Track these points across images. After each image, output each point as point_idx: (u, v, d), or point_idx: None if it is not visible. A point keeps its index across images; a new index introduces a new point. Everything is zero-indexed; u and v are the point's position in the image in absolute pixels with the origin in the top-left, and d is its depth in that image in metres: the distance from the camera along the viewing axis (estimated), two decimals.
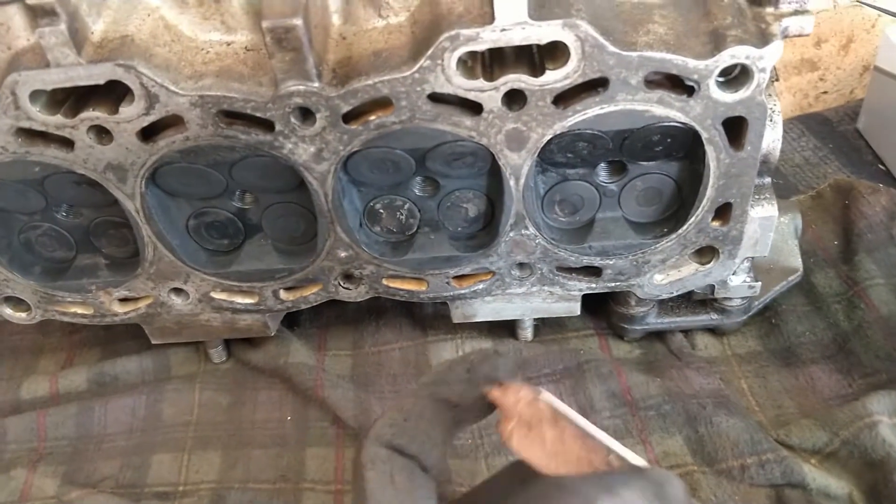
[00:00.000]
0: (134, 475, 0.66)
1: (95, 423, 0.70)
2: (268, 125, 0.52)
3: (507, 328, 0.71)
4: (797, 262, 0.69)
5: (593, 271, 0.63)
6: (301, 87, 0.49)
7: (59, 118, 0.51)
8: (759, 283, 0.65)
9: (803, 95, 1.03)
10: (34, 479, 0.66)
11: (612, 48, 0.47)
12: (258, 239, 0.63)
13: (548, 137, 0.52)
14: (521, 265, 0.62)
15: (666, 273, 0.63)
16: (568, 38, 0.47)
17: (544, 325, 0.72)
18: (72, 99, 0.52)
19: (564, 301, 0.66)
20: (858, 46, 0.99)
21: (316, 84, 0.49)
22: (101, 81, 0.49)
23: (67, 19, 0.47)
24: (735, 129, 0.52)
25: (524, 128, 0.52)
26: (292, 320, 0.75)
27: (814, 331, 0.69)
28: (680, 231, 0.58)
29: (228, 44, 0.52)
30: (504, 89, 0.49)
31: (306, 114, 0.51)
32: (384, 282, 0.63)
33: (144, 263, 0.61)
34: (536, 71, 0.49)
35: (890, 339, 0.65)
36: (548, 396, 0.40)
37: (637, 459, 0.38)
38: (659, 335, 0.71)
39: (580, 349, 0.70)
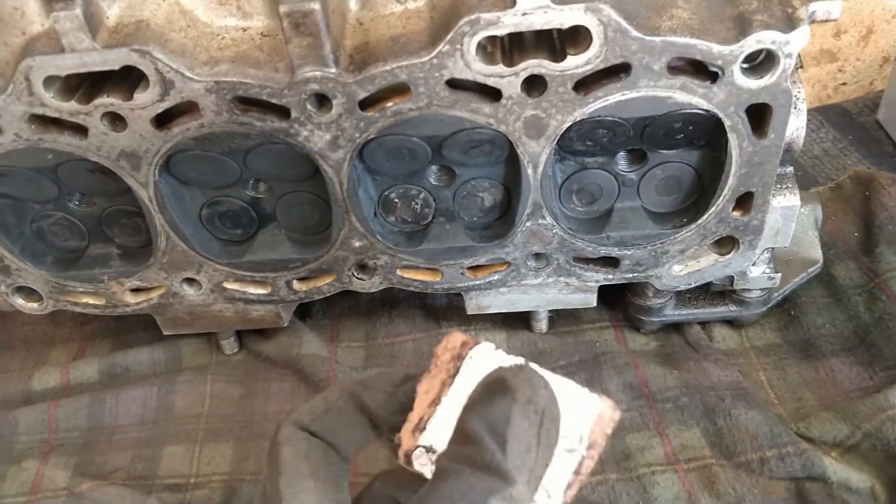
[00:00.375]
0: (145, 467, 0.65)
1: (107, 415, 0.69)
2: (283, 112, 0.51)
3: (521, 319, 0.71)
4: (817, 253, 0.68)
5: (611, 262, 0.62)
6: (318, 73, 0.49)
7: (73, 104, 0.50)
8: (779, 274, 0.64)
9: (822, 87, 1.02)
10: (45, 471, 0.65)
11: (635, 33, 0.46)
12: (272, 228, 0.62)
13: (567, 124, 0.51)
14: (537, 256, 0.61)
15: (685, 264, 0.62)
16: (590, 22, 0.46)
17: (559, 317, 0.71)
18: (86, 85, 0.51)
19: (580, 292, 0.65)
20: (878, 37, 0.98)
21: (333, 70, 0.49)
22: (116, 67, 0.48)
23: (83, 3, 0.46)
24: (758, 116, 0.51)
25: (544, 115, 0.51)
26: (305, 311, 0.75)
27: (834, 323, 0.68)
28: (700, 221, 0.58)
29: (244, 29, 0.51)
30: (524, 75, 0.49)
31: (322, 100, 0.50)
32: (398, 272, 0.63)
33: (157, 253, 0.61)
34: (557, 56, 0.48)
35: None
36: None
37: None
38: (676, 327, 0.70)
39: (596, 341, 0.70)
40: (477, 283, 0.63)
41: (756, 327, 0.70)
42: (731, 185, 0.55)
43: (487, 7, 0.46)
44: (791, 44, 0.47)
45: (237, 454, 0.66)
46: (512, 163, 0.56)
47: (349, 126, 0.52)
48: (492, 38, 0.48)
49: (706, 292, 0.68)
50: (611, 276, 0.63)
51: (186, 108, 0.51)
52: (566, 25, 0.46)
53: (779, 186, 0.58)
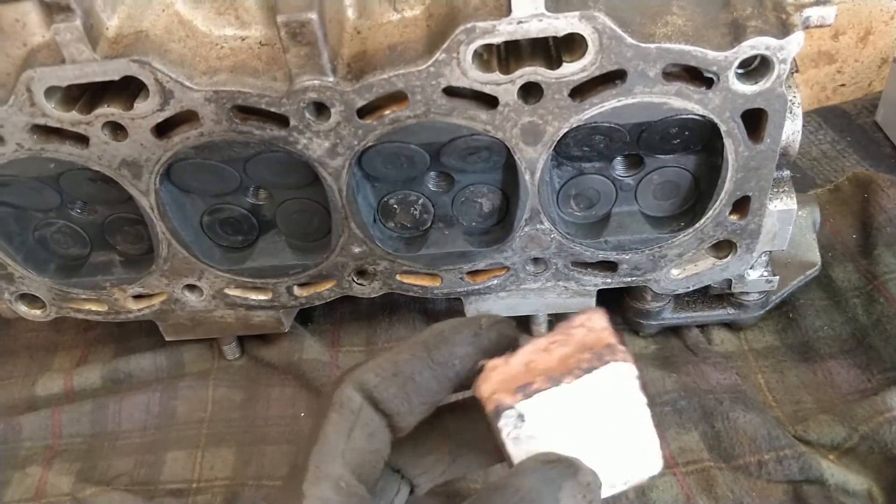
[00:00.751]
0: (148, 472, 0.66)
1: (110, 421, 0.70)
2: (282, 120, 0.51)
3: (521, 324, 0.70)
4: (815, 256, 0.68)
5: (609, 266, 0.62)
6: (316, 82, 0.49)
7: (74, 115, 0.51)
8: (777, 277, 0.64)
9: (821, 88, 1.02)
10: (49, 477, 0.66)
11: (630, 40, 0.47)
12: (272, 235, 0.63)
13: (564, 131, 0.52)
14: (535, 260, 0.62)
15: (682, 267, 0.62)
16: (585, 29, 0.46)
17: (559, 321, 0.71)
18: (87, 95, 0.52)
19: (579, 296, 0.66)
20: (877, 38, 0.98)
21: (331, 78, 0.49)
22: (116, 77, 0.49)
23: (82, 15, 0.47)
24: (754, 121, 0.52)
25: (540, 121, 0.51)
26: (306, 316, 0.75)
27: (832, 325, 0.68)
28: (697, 225, 0.58)
29: (243, 39, 0.51)
30: (520, 82, 0.49)
31: (321, 108, 0.51)
32: (398, 277, 0.63)
33: (158, 260, 0.61)
34: (553, 63, 0.49)
35: None
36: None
37: None
38: (674, 330, 0.70)
39: None
40: (476, 287, 0.64)
41: (754, 330, 0.70)
42: (727, 189, 0.55)
43: (483, 15, 0.47)
44: (785, 49, 0.47)
45: (239, 459, 0.66)
46: (510, 169, 0.56)
47: (348, 134, 0.52)
48: (488, 47, 0.49)
49: (704, 295, 0.68)
50: (609, 280, 0.63)
51: (186, 118, 0.52)
52: (561, 33, 0.47)
53: (775, 190, 0.58)
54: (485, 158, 0.56)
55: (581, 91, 0.50)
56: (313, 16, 0.46)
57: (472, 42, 0.47)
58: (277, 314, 0.68)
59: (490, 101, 0.51)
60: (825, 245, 0.71)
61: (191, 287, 0.64)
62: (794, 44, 0.47)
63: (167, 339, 0.70)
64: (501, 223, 0.61)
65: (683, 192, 0.59)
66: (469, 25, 0.46)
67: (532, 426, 0.36)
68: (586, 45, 0.47)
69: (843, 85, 1.02)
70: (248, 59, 0.51)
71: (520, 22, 0.46)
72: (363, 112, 0.51)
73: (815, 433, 0.60)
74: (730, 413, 0.61)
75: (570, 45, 0.48)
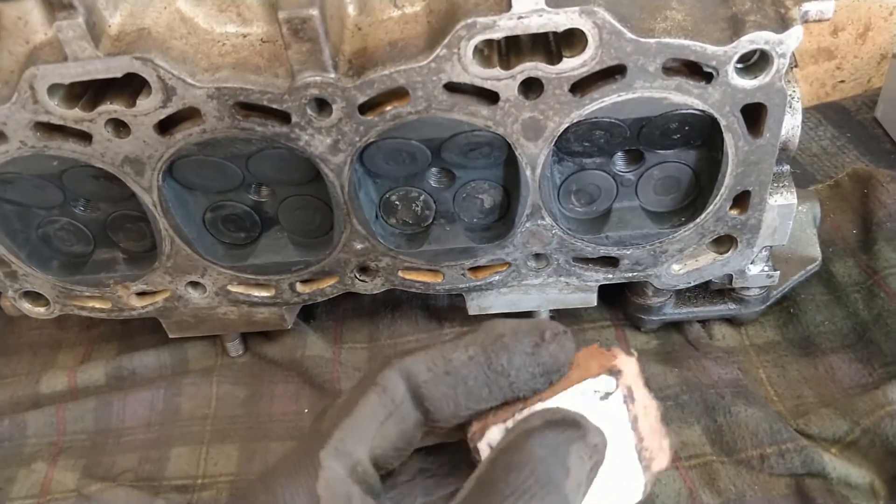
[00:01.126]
0: (153, 468, 0.66)
1: (114, 417, 0.70)
2: (284, 117, 0.52)
3: None
4: (816, 251, 0.68)
5: (610, 261, 0.62)
6: (317, 79, 0.49)
7: (77, 112, 0.51)
8: (778, 272, 0.64)
9: (820, 84, 1.02)
10: (54, 473, 0.66)
11: (629, 35, 0.47)
12: (275, 232, 0.63)
13: (565, 126, 0.52)
14: (537, 256, 0.62)
15: (683, 263, 0.62)
16: (585, 24, 0.47)
17: (560, 317, 0.71)
18: (89, 92, 0.52)
19: (581, 292, 0.66)
20: (876, 35, 0.98)
21: (332, 75, 0.49)
22: (119, 74, 0.49)
23: (85, 12, 0.47)
24: (754, 115, 0.52)
25: (541, 116, 0.51)
26: (308, 313, 0.75)
27: (833, 320, 0.68)
28: (698, 220, 0.58)
29: (244, 35, 0.52)
30: (521, 78, 0.49)
31: (322, 105, 0.51)
32: (400, 274, 0.63)
33: (162, 257, 0.61)
34: (553, 59, 0.49)
35: None
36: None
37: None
38: (676, 325, 0.70)
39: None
40: (478, 283, 0.64)
41: (755, 325, 0.70)
42: (727, 184, 0.56)
43: (483, 11, 0.47)
44: (784, 44, 0.47)
45: (243, 455, 0.66)
46: (511, 164, 0.56)
47: (349, 130, 0.52)
48: (488, 42, 0.49)
49: (705, 291, 0.68)
50: (610, 276, 0.63)
51: (188, 114, 0.52)
52: (561, 28, 0.47)
53: (776, 185, 0.58)
54: (486, 154, 0.56)
55: (581, 86, 0.50)
56: (315, 12, 0.46)
57: (472, 37, 0.47)
58: (280, 311, 0.68)
59: (491, 97, 0.51)
60: (826, 240, 0.71)
61: (194, 284, 0.64)
62: (793, 38, 0.47)
63: (171, 336, 0.71)
64: (503, 219, 0.61)
65: (684, 187, 0.59)
66: (470, 21, 0.47)
67: None
68: (586, 40, 0.47)
69: (842, 81, 1.02)
70: (250, 56, 0.51)
71: (520, 17, 0.46)
72: (364, 108, 0.51)
73: (817, 427, 0.60)
74: (732, 407, 0.61)
75: (571, 40, 0.49)
